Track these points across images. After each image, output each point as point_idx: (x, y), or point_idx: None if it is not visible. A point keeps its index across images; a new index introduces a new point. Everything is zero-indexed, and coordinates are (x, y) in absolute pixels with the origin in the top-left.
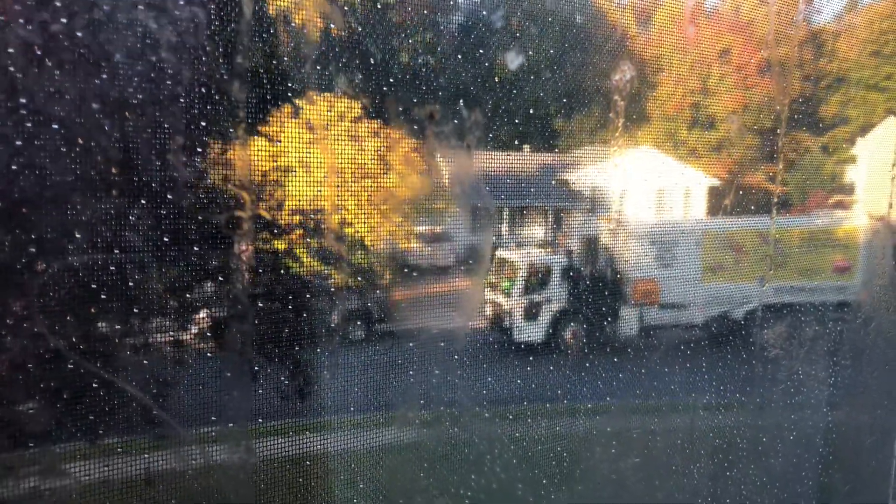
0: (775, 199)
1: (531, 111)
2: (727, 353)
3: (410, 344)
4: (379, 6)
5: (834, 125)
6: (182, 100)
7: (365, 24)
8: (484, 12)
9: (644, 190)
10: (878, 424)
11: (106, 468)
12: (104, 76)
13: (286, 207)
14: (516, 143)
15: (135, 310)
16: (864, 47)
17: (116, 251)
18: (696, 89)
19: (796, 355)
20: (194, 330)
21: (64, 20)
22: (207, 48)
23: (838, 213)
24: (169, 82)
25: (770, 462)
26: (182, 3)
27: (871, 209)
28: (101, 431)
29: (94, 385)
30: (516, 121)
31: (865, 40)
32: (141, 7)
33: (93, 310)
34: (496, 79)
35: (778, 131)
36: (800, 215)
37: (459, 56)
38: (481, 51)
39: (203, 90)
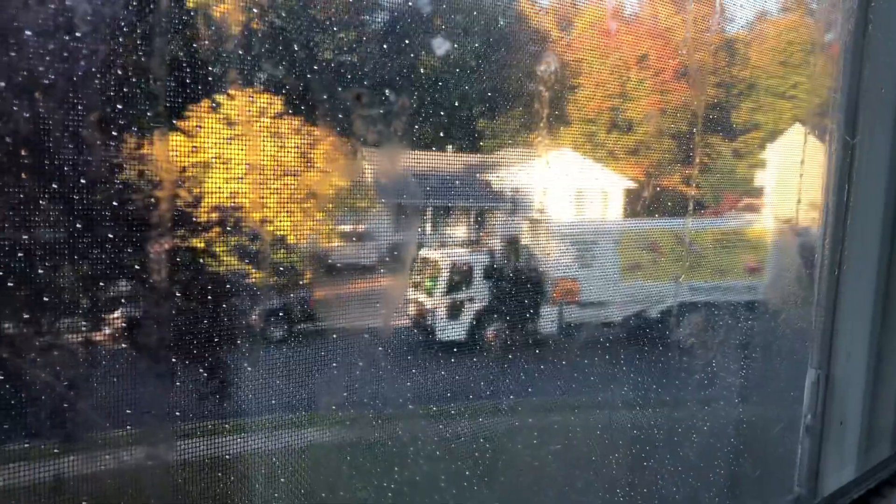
0: (691, 202)
1: (456, 110)
2: (644, 349)
3: (334, 343)
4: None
5: (747, 130)
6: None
7: (287, 18)
8: (411, 14)
9: (565, 191)
10: (786, 415)
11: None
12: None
13: (205, 204)
14: (440, 142)
15: (44, 307)
16: (773, 57)
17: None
18: (615, 93)
19: (710, 351)
20: (108, 329)
21: None
22: (122, 36)
23: (750, 214)
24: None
25: (684, 453)
26: None
27: (781, 210)
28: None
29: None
30: (440, 120)
31: (775, 50)
32: None
33: None
34: (419, 79)
35: (694, 135)
36: (714, 217)
37: (382, 54)
38: (406, 50)
39: (116, 80)
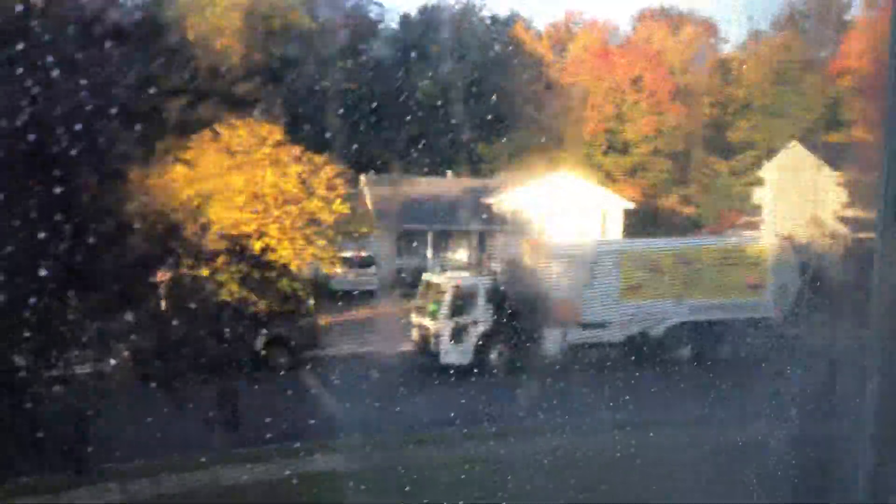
0: (690, 221)
1: (455, 136)
2: (643, 369)
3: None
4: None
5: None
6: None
7: (286, 52)
8: (409, 44)
9: (565, 213)
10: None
11: None
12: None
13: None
14: (439, 167)
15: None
16: (767, 76)
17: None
18: (611, 116)
19: (711, 368)
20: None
21: None
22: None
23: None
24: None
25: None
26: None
27: (782, 228)
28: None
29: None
30: (440, 146)
31: (770, 69)
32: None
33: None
34: (419, 106)
35: (691, 155)
36: (716, 236)
37: (382, 85)
38: (406, 79)
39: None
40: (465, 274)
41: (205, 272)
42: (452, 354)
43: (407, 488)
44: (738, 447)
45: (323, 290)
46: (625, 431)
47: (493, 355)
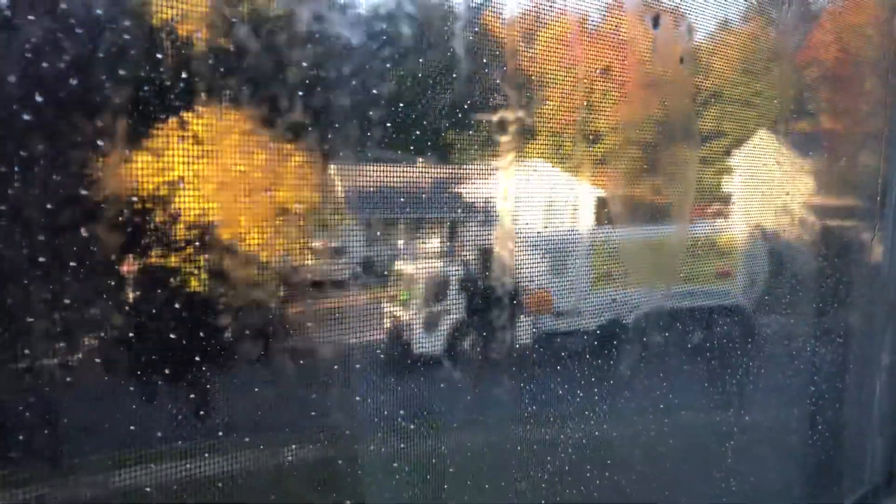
0: (660, 210)
1: (423, 123)
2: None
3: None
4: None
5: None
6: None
7: (249, 35)
8: (374, 24)
9: (537, 202)
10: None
11: None
12: None
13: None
14: (410, 155)
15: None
16: (736, 66)
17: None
18: (581, 105)
19: (681, 355)
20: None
21: None
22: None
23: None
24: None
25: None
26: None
27: (751, 216)
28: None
29: None
30: (409, 132)
31: (739, 59)
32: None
33: None
34: (389, 93)
35: (660, 144)
36: (686, 224)
37: (351, 67)
38: (376, 66)
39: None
40: (436, 263)
41: (173, 262)
42: (424, 344)
43: (382, 480)
44: (711, 434)
45: (292, 279)
46: (600, 418)
47: (466, 344)
